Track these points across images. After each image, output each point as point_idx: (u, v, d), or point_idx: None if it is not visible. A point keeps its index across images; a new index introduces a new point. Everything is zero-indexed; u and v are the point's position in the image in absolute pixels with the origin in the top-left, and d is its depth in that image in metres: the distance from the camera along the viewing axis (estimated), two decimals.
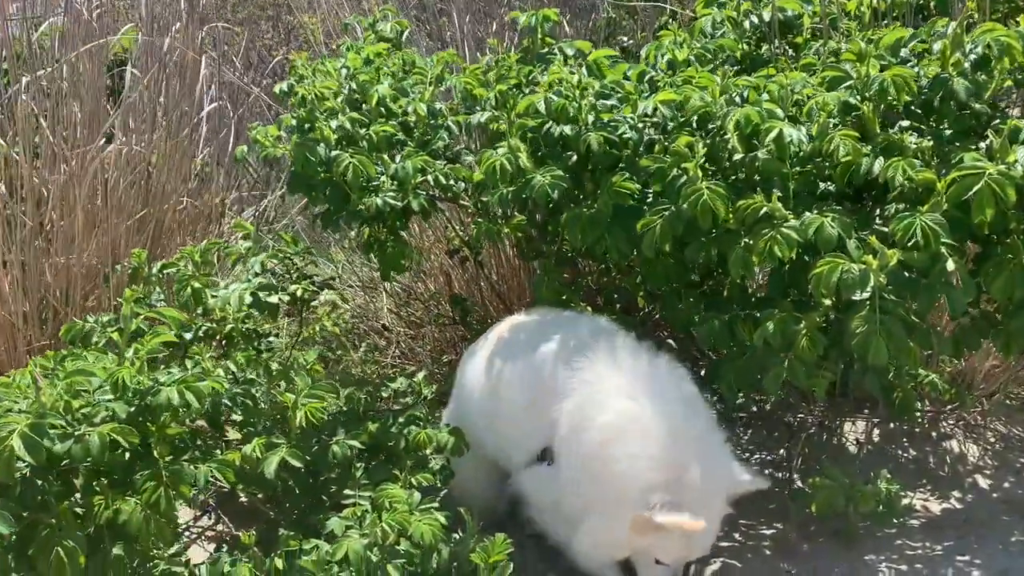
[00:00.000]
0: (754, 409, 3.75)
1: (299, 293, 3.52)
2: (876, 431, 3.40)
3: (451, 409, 3.07)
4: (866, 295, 2.30)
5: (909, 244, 2.29)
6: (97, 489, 2.34)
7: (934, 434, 3.37)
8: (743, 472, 2.48)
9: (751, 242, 2.45)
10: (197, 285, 3.14)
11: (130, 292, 2.75)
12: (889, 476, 2.63)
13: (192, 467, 2.46)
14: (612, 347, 2.58)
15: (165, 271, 3.24)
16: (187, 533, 3.08)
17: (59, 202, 3.27)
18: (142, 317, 2.76)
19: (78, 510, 2.31)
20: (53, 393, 2.26)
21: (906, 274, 2.34)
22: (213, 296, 3.19)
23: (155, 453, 2.41)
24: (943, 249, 2.30)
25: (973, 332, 2.64)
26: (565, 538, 2.58)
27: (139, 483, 2.34)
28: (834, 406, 3.56)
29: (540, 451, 2.63)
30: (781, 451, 3.40)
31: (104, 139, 3.40)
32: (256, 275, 3.36)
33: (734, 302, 2.78)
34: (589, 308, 3.36)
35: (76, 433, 2.22)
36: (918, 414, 3.19)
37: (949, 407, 3.44)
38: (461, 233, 3.81)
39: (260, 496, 2.88)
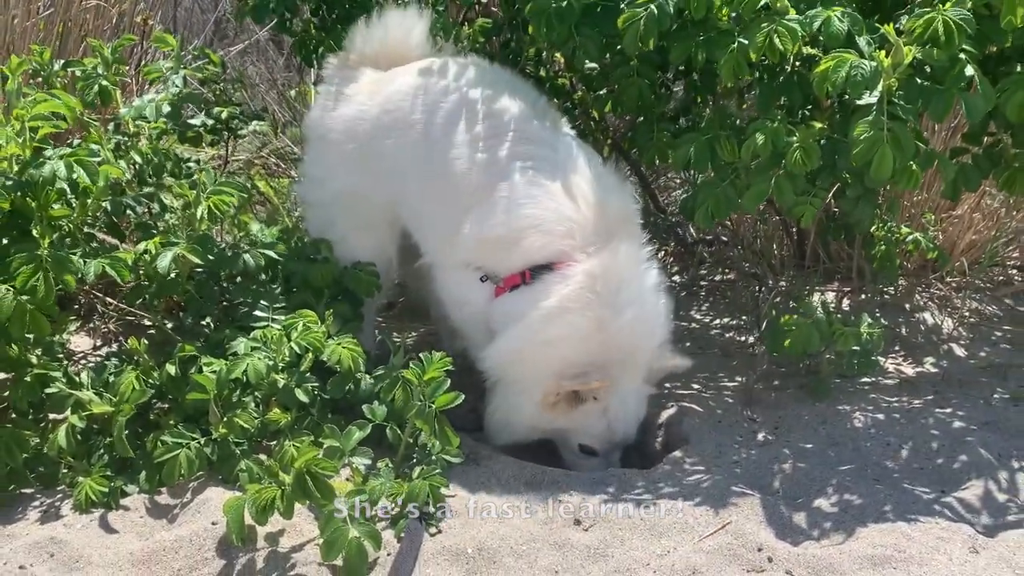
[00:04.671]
0: (718, 278, 3.51)
1: (225, 117, 3.15)
2: (846, 301, 3.17)
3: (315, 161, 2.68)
4: (874, 98, 2.02)
5: (927, 44, 2.01)
6: None
7: (907, 306, 3.15)
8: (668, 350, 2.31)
9: (746, 41, 2.14)
10: (105, 83, 2.73)
11: (16, 60, 2.34)
12: (870, 320, 2.39)
13: (81, 261, 2.11)
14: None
15: (70, 69, 2.82)
16: (84, 361, 2.74)
17: None
18: (32, 99, 2.33)
19: None
20: None
21: (918, 81, 2.06)
22: (125, 107, 2.81)
23: (35, 234, 2.04)
24: (962, 54, 2.02)
25: (974, 169, 2.39)
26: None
27: (14, 266, 1.97)
28: (802, 276, 3.33)
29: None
30: (744, 318, 3.16)
31: None
32: (175, 87, 2.96)
33: (714, 129, 2.47)
34: None
35: None
36: (897, 275, 2.97)
37: (927, 278, 3.23)
38: None
39: (169, 325, 2.53)
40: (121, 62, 2.90)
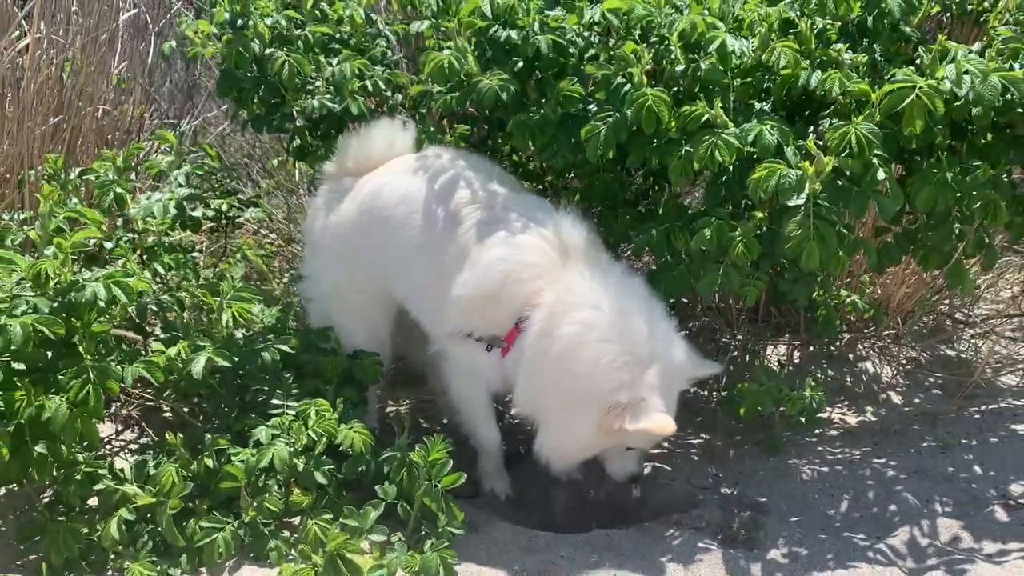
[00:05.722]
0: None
1: (224, 208, 3.44)
2: (796, 353, 3.52)
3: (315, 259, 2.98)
4: (801, 200, 2.37)
5: (843, 153, 2.36)
6: (19, 385, 2.24)
7: (851, 356, 3.51)
8: (696, 359, 2.55)
9: (692, 150, 2.49)
10: (120, 190, 3.02)
11: (48, 188, 2.63)
12: (813, 383, 2.73)
13: (119, 367, 2.38)
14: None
15: (85, 176, 3.11)
16: (109, 446, 2.99)
17: None
18: (61, 217, 2.63)
19: None
20: None
21: (839, 183, 2.41)
22: (134, 206, 3.10)
23: (80, 350, 2.32)
24: (875, 159, 2.37)
25: (895, 247, 2.75)
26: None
27: (64, 380, 2.25)
28: (756, 331, 3.67)
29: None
30: None
31: (15, 34, 3.20)
32: (180, 187, 3.25)
33: (669, 218, 2.81)
34: None
35: None
36: (839, 332, 3.32)
37: (866, 331, 3.59)
38: None
39: (186, 409, 2.81)
40: (130, 168, 3.20)
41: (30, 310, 2.25)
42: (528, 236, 2.52)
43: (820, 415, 2.83)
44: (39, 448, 2.22)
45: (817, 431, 2.94)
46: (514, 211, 2.57)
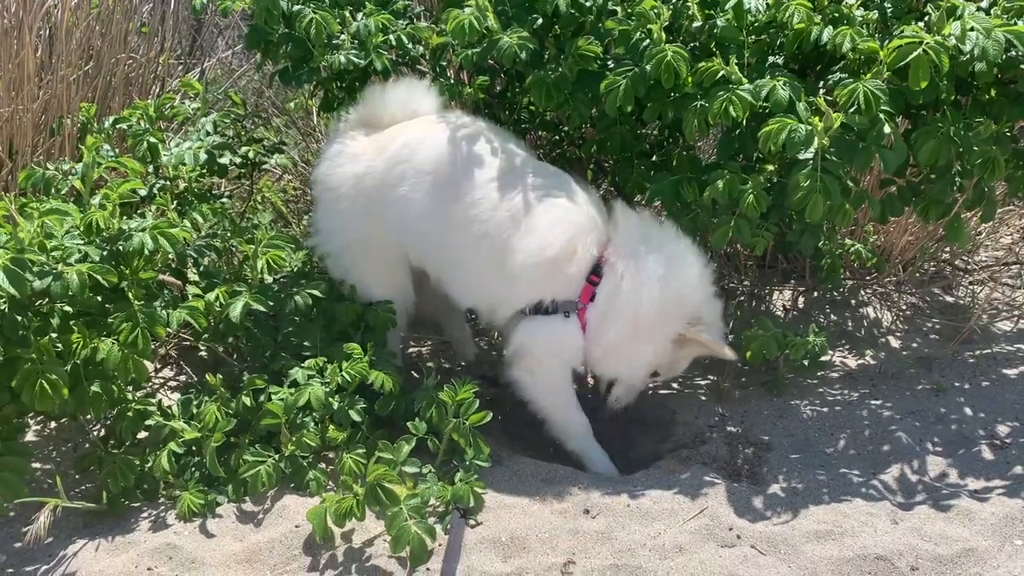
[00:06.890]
0: None
1: (251, 155, 3.55)
2: (801, 299, 3.67)
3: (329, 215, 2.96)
4: (810, 154, 2.48)
5: (851, 109, 2.46)
6: (74, 328, 2.39)
7: (853, 302, 3.66)
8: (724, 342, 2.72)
9: (707, 104, 2.59)
10: (153, 140, 3.13)
11: (92, 139, 2.74)
12: (816, 330, 2.88)
13: (163, 312, 2.54)
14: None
15: (118, 125, 3.21)
16: (149, 384, 3.16)
17: (3, 49, 3.16)
18: (103, 167, 2.75)
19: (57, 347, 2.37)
20: (31, 229, 2.27)
21: (847, 137, 2.52)
22: (166, 153, 3.21)
23: (129, 296, 2.47)
24: (881, 115, 2.48)
25: (898, 199, 2.87)
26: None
27: (116, 323, 2.41)
28: (763, 276, 3.81)
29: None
30: None
31: None
32: (208, 134, 3.36)
33: (682, 170, 2.92)
34: None
35: (54, 271, 2.26)
36: (842, 280, 3.46)
37: (868, 277, 3.73)
38: None
39: (221, 349, 2.97)
40: (162, 118, 3.31)
41: (82, 258, 2.39)
42: (574, 198, 2.68)
43: (822, 359, 2.99)
44: (94, 387, 2.38)
45: (819, 374, 3.10)
46: (551, 180, 2.70)
